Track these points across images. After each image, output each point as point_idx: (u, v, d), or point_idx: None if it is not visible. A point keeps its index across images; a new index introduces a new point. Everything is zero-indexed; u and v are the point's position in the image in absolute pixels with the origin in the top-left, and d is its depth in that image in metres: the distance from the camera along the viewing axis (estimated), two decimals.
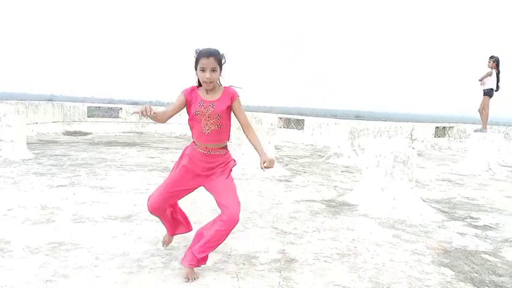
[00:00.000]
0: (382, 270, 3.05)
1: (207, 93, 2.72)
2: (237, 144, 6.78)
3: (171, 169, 2.93)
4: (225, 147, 2.86)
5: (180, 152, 2.99)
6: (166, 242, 3.22)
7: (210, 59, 2.62)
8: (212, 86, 2.70)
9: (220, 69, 2.69)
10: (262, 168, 2.79)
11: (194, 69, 2.70)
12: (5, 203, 4.26)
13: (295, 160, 8.87)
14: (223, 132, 2.76)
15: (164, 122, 2.78)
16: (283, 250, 3.35)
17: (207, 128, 2.70)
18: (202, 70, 2.64)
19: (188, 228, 3.24)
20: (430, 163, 9.72)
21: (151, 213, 2.92)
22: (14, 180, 5.33)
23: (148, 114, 2.49)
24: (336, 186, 6.17)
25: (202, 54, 2.63)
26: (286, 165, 7.96)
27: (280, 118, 14.03)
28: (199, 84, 2.75)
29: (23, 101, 10.70)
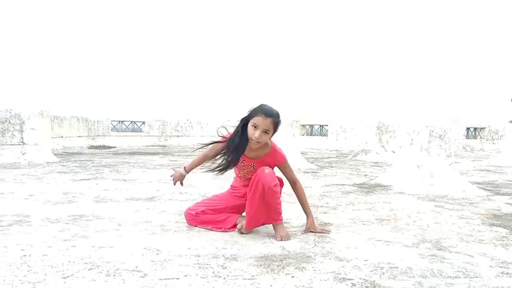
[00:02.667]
0: (427, 230, 2.77)
1: (251, 149, 2.53)
2: None
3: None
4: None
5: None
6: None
7: (268, 119, 2.40)
8: (258, 146, 2.50)
9: (274, 132, 2.48)
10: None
11: (245, 120, 2.48)
12: (27, 191, 4.17)
13: (320, 159, 8.60)
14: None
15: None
16: (316, 217, 3.11)
17: (241, 175, 2.69)
18: (254, 127, 2.42)
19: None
20: (464, 160, 9.29)
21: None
22: (38, 177, 5.28)
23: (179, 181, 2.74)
24: (366, 175, 5.88)
25: (261, 112, 2.41)
26: (312, 162, 7.70)
27: (303, 125, 13.83)
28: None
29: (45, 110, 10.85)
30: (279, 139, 6.48)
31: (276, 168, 2.66)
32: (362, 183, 4.93)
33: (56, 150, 10.01)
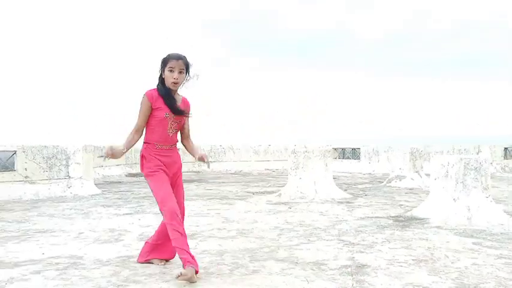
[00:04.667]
0: (465, 272, 2.79)
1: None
2: (293, 168, 6.71)
3: (148, 177, 2.89)
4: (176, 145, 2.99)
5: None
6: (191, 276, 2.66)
7: (180, 61, 2.82)
8: (177, 88, 2.88)
9: (186, 74, 2.87)
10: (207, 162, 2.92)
11: (161, 71, 2.86)
12: (76, 229, 4.44)
13: (354, 186, 8.60)
14: (176, 135, 2.95)
15: (136, 140, 2.92)
16: (353, 257, 3.18)
17: (171, 131, 2.87)
18: (171, 70, 2.81)
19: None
20: (503, 183, 9.04)
21: (173, 220, 2.73)
22: (84, 211, 5.58)
23: (109, 154, 2.77)
24: (401, 205, 5.86)
25: (172, 57, 2.83)
26: (345, 190, 7.72)
27: (335, 149, 13.82)
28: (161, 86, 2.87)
29: (89, 145, 11.38)
30: (310, 170, 6.55)
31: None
32: (397, 216, 4.94)
33: (97, 179, 10.45)
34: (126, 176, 12.06)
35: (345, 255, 3.25)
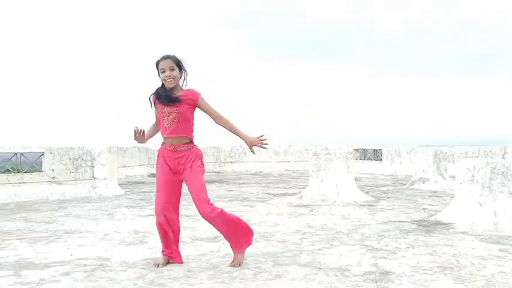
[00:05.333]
0: (492, 281, 2.74)
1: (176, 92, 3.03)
2: (315, 170, 6.69)
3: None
4: (190, 142, 3.08)
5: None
6: (161, 263, 3.15)
7: (167, 60, 3.00)
8: (174, 84, 3.01)
9: (180, 70, 3.03)
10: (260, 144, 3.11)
11: (158, 76, 3.05)
12: (102, 230, 4.54)
13: (376, 188, 8.51)
14: (182, 127, 3.02)
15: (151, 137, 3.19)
16: (376, 263, 3.16)
17: (167, 123, 3.01)
18: (163, 71, 2.99)
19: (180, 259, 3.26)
20: None
21: (158, 223, 3.15)
22: (109, 212, 5.71)
23: (139, 137, 3.03)
24: (425, 209, 5.78)
25: (160, 59, 3.03)
26: (367, 192, 7.65)
27: (356, 150, 13.70)
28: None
29: (112, 146, 11.61)
30: (332, 172, 6.53)
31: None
32: (421, 220, 4.88)
33: (120, 179, 10.65)
34: (148, 176, 12.24)
35: (369, 261, 3.24)
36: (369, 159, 13.27)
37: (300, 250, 3.57)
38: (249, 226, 3.21)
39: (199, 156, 3.12)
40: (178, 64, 3.04)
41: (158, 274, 2.95)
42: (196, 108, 3.09)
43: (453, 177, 7.34)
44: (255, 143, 3.08)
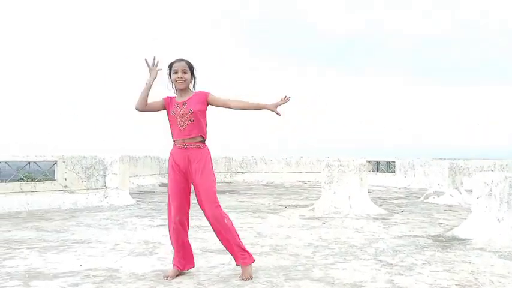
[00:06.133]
0: None
1: (180, 95, 3.13)
2: (327, 182, 6.60)
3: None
4: (202, 141, 3.13)
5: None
6: (170, 275, 3.11)
7: (181, 62, 3.09)
8: (184, 86, 3.10)
9: (192, 74, 3.13)
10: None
11: (169, 77, 3.15)
12: (112, 240, 4.52)
13: (389, 201, 8.37)
14: (196, 126, 3.08)
15: (142, 109, 3.12)
16: (392, 280, 3.06)
17: (182, 124, 3.06)
18: (175, 72, 3.08)
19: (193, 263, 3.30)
20: None
21: (174, 223, 3.13)
22: (119, 222, 5.69)
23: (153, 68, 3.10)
24: (441, 223, 5.64)
25: (174, 61, 3.12)
26: (381, 205, 7.52)
27: (369, 161, 13.54)
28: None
29: (124, 155, 11.67)
30: (344, 185, 6.44)
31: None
32: (437, 235, 4.75)
33: (132, 189, 10.66)
34: (160, 185, 12.25)
35: (384, 277, 3.14)
36: (382, 171, 13.10)
37: (312, 264, 3.49)
38: (245, 249, 3.17)
39: (210, 157, 3.15)
40: (191, 68, 3.14)
41: (168, 287, 2.90)
42: (209, 107, 3.17)
43: (469, 190, 7.19)
44: (279, 103, 3.06)
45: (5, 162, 6.73)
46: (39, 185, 6.80)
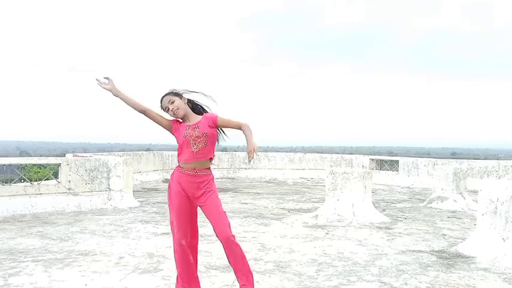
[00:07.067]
0: None
1: (188, 120, 3.14)
2: (331, 189, 6.59)
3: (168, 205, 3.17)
4: (209, 168, 3.16)
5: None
6: None
7: (165, 97, 3.12)
8: (183, 113, 3.11)
9: (180, 97, 3.12)
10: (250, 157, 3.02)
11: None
12: (117, 253, 4.53)
13: (392, 205, 8.36)
14: (209, 149, 3.12)
15: (135, 108, 3.12)
16: None
17: (195, 147, 3.05)
18: (166, 110, 3.11)
19: None
20: None
21: (180, 248, 3.09)
22: (123, 229, 5.70)
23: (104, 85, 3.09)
24: (444, 235, 5.63)
25: (160, 101, 3.14)
26: (384, 210, 7.52)
27: (372, 159, 13.52)
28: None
29: (128, 152, 11.68)
30: (348, 192, 6.42)
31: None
32: (441, 251, 4.75)
33: (135, 186, 10.69)
34: (163, 181, 12.29)
35: None
36: (385, 169, 13.08)
37: (316, 287, 3.49)
38: (249, 277, 3.12)
39: (213, 179, 3.19)
40: (177, 94, 3.14)
41: None
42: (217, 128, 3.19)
43: (475, 191, 7.16)
44: (249, 152, 3.05)
45: (9, 165, 6.74)
46: (43, 188, 6.82)
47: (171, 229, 3.19)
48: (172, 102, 3.09)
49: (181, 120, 3.18)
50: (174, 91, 3.16)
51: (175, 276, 3.23)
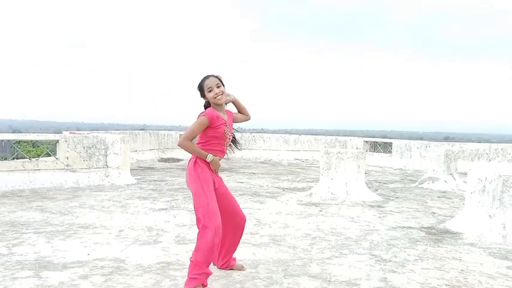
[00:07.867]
0: None
1: (219, 111, 3.07)
2: (325, 168, 6.73)
3: (195, 184, 2.99)
4: None
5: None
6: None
7: (211, 78, 3.04)
8: (223, 99, 3.06)
9: (223, 84, 3.08)
10: None
11: (202, 98, 3.10)
12: (116, 225, 4.66)
13: (385, 185, 8.54)
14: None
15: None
16: (385, 278, 3.23)
17: (226, 145, 3.13)
18: (210, 90, 3.02)
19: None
20: None
21: (216, 230, 2.87)
22: (122, 204, 5.82)
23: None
24: (434, 213, 5.82)
25: (202, 80, 3.06)
26: (376, 190, 7.70)
27: (366, 142, 13.68)
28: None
29: (124, 131, 11.74)
30: (342, 171, 6.56)
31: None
32: (430, 227, 4.92)
33: (132, 164, 10.78)
34: (159, 160, 12.39)
35: (377, 274, 3.31)
36: (379, 151, 13.25)
37: (310, 258, 3.65)
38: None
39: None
40: (221, 80, 3.08)
41: (173, 281, 3.05)
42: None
43: (464, 173, 7.35)
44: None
45: (8, 140, 6.79)
46: (42, 163, 6.90)
47: (200, 217, 2.91)
48: (219, 87, 3.03)
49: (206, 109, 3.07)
50: (219, 76, 3.08)
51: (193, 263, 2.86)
